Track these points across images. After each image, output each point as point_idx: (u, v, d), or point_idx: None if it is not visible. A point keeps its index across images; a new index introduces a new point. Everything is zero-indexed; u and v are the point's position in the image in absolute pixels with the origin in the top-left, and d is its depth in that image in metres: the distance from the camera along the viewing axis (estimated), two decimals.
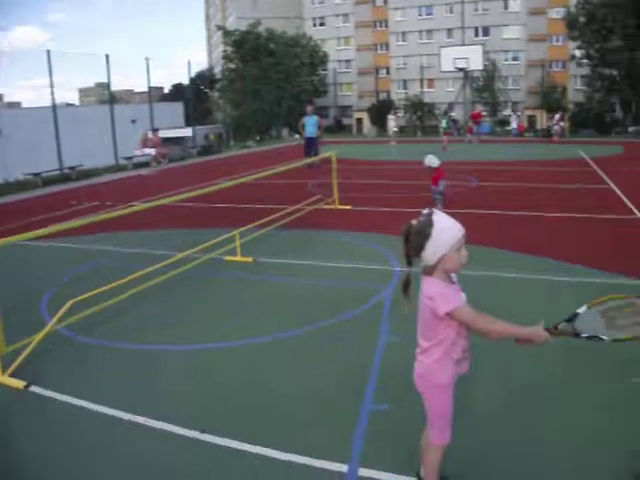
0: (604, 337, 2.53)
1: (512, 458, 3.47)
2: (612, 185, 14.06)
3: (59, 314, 5.48)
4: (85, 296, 5.90)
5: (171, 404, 4.39)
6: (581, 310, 2.63)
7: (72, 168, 20.56)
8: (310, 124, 18.93)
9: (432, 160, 10.84)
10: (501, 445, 3.59)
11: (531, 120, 40.65)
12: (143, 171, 21.95)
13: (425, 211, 2.61)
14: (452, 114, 39.64)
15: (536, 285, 6.74)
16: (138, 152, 23.50)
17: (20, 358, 4.98)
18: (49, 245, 9.55)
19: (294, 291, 6.95)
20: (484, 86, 42.73)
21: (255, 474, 3.46)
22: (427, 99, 44.78)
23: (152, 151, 23.26)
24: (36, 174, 19.01)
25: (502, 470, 3.36)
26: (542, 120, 37.12)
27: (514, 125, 36.60)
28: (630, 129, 32.81)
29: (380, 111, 42.23)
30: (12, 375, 4.86)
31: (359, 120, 48.05)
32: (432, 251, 2.52)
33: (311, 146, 18.89)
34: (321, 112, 43.40)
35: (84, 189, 17.45)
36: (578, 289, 6.47)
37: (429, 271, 2.61)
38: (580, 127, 34.69)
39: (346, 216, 11.30)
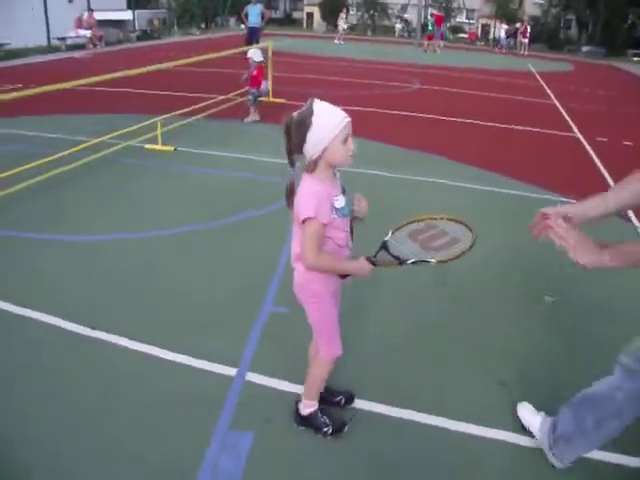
0: (431, 260, 2.33)
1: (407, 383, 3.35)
2: (555, 102, 13.90)
3: None
4: None
5: (62, 297, 4.02)
6: (387, 237, 2.45)
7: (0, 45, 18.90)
8: (253, 13, 17.71)
9: (256, 54, 9.54)
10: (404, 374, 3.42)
11: (485, 29, 39.81)
12: (77, 53, 20.43)
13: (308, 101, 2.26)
14: (406, 16, 38.29)
15: (444, 189, 6.65)
16: (72, 33, 21.90)
17: None
18: None
19: (212, 183, 6.52)
20: None
21: (140, 373, 3.24)
22: None
23: (87, 33, 21.82)
24: None
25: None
26: (495, 30, 36.37)
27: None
28: (584, 49, 32.49)
29: (331, 6, 40.29)
30: None
31: (310, 15, 45.77)
32: (314, 142, 2.18)
33: (253, 36, 17.78)
34: (270, 3, 41.16)
35: (9, 69, 16.04)
36: (486, 196, 6.48)
37: (311, 168, 2.27)
38: (533, 41, 34.18)
39: (278, 110, 10.75)
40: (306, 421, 2.78)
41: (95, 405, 2.99)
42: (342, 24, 31.37)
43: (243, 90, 10.74)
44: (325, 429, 2.73)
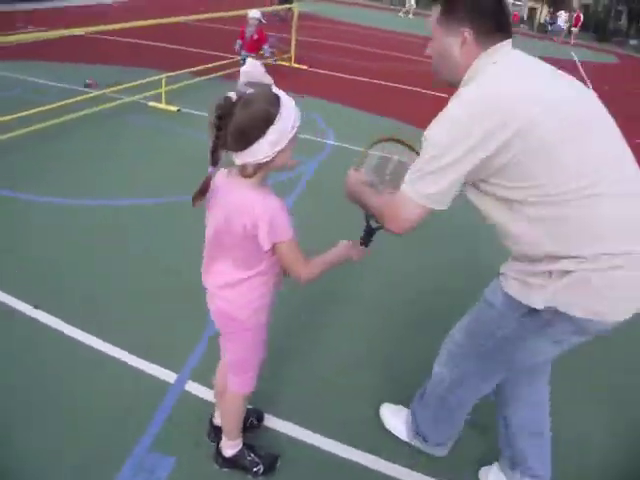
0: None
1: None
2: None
3: None
4: None
5: (8, 267, 3.68)
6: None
7: None
8: None
9: (257, 13, 8.72)
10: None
11: (531, 12, 38.29)
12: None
13: (249, 82, 1.69)
14: None
15: None
16: None
17: None
18: None
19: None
20: None
21: (69, 365, 2.87)
22: None
23: None
24: None
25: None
26: (542, 14, 34.91)
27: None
28: (632, 41, 30.98)
29: None
30: None
31: None
32: (274, 140, 1.65)
33: None
34: None
35: (37, 12, 15.63)
36: None
37: (249, 172, 1.73)
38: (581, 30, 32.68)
39: (297, 76, 10.21)
40: (231, 462, 2.33)
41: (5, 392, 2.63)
42: None
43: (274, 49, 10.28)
44: (255, 469, 2.31)
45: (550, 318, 1.68)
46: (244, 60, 8.73)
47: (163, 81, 7.35)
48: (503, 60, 1.69)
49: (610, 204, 1.58)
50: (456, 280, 3.92)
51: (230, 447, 2.31)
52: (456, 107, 1.63)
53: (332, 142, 6.62)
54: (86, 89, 7.59)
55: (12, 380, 2.74)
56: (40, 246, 3.94)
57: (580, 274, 1.60)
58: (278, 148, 1.67)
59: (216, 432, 2.43)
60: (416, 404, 2.42)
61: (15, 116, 5.72)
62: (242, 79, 1.69)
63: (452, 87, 1.82)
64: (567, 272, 1.61)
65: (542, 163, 1.56)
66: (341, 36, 16.13)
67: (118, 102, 7.23)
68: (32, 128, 5.76)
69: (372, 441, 2.57)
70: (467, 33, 1.71)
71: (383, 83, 10.24)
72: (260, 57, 8.75)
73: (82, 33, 9.88)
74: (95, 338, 3.05)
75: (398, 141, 2.22)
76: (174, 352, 3.00)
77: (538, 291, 1.67)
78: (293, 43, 10.70)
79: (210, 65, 8.92)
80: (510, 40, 1.75)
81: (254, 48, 8.75)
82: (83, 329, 3.11)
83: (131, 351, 2.98)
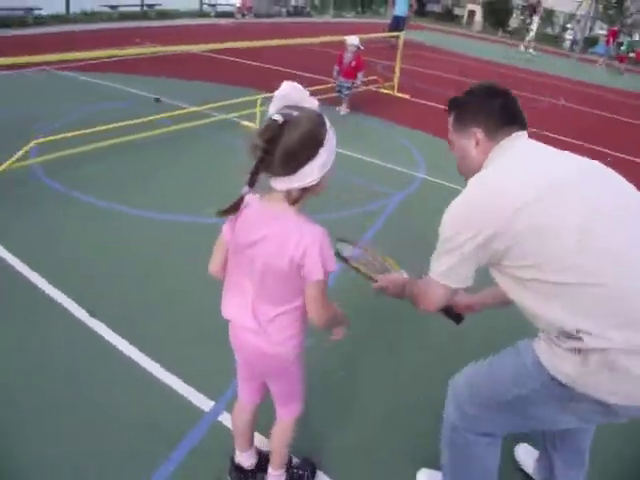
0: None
1: None
2: None
3: (18, 154, 4.94)
4: (56, 138, 5.43)
5: (70, 271, 3.76)
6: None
7: (151, 6, 19.75)
8: (401, 2, 16.98)
9: (355, 39, 8.37)
10: None
11: None
12: (222, 21, 20.92)
13: (289, 106, 1.60)
14: (568, 26, 35.24)
15: None
16: (223, 0, 22.55)
17: None
18: (72, 75, 9.15)
19: None
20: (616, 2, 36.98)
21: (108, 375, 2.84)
22: (546, 4, 39.34)
23: (237, 2, 22.38)
24: (113, 7, 18.19)
25: None
26: None
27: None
28: None
29: (495, 7, 38.25)
30: None
31: (471, 12, 43.94)
32: (322, 163, 1.59)
33: (398, 25, 17.09)
34: None
35: (155, 29, 16.65)
36: None
37: (295, 199, 1.65)
38: None
39: (399, 105, 10.06)
40: None
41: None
42: (534, 27, 25.44)
43: (368, 78, 10.15)
44: (305, 478, 2.31)
45: (574, 394, 1.60)
46: (339, 87, 8.75)
47: (258, 101, 7.41)
48: (505, 156, 1.82)
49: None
50: None
51: (280, 477, 2.22)
52: (462, 203, 1.78)
53: (423, 175, 6.38)
54: (182, 105, 7.79)
55: (48, 376, 2.75)
56: (102, 252, 4.02)
57: (607, 354, 1.52)
58: (325, 170, 1.61)
59: (238, 472, 2.31)
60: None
61: (113, 125, 5.95)
62: (276, 103, 1.60)
63: None
64: (593, 350, 1.54)
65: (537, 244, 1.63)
66: (449, 67, 15.81)
67: (212, 119, 7.37)
68: (127, 138, 5.97)
69: None
70: (478, 133, 1.87)
71: None
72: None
73: (194, 51, 10.40)
74: (138, 352, 3.02)
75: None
76: (215, 379, 2.88)
77: (564, 364, 1.61)
78: (397, 72, 10.56)
79: (310, 88, 8.93)
80: (523, 132, 1.87)
81: (351, 74, 8.57)
82: (130, 342, 3.07)
83: (173, 371, 2.93)
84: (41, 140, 5.19)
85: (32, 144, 5.00)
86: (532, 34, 25.50)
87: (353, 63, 8.49)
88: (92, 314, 3.30)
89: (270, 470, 2.22)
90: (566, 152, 1.85)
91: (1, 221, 4.35)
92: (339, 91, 8.76)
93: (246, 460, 2.29)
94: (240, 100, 7.73)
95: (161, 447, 2.46)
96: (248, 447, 2.28)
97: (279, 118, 1.54)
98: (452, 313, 2.21)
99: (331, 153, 1.62)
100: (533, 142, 1.88)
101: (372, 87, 10.41)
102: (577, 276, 1.58)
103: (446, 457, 2.09)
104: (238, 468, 2.30)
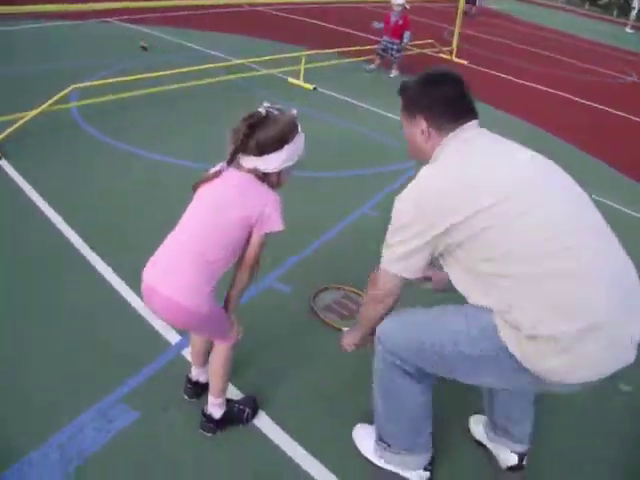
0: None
1: None
2: None
3: (57, 97, 5.11)
4: (93, 84, 5.66)
5: (82, 208, 3.96)
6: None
7: None
8: None
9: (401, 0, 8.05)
10: None
11: None
12: None
13: (272, 106, 1.98)
14: None
15: None
16: None
17: (5, 133, 4.76)
18: (132, 27, 9.65)
19: (329, 132, 6.01)
20: None
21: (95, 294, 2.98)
22: None
23: None
24: None
25: None
26: None
27: None
28: None
29: None
30: None
31: None
32: (285, 157, 1.95)
33: None
34: None
35: None
36: None
37: (259, 177, 2.01)
38: None
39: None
40: (224, 422, 2.32)
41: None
42: (636, 5, 23.10)
43: (424, 42, 9.91)
44: (245, 415, 2.36)
45: (519, 367, 1.68)
46: (385, 46, 8.61)
47: (303, 59, 7.41)
48: (458, 149, 1.81)
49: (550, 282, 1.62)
50: None
51: (219, 406, 2.30)
52: (411, 196, 1.78)
53: None
54: (228, 57, 7.85)
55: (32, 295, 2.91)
56: (121, 195, 4.20)
57: (544, 342, 1.60)
58: (285, 165, 1.97)
59: (193, 387, 2.46)
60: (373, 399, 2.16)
61: (152, 74, 6.07)
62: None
63: None
64: (533, 337, 1.61)
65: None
66: (519, 37, 15.15)
67: (256, 73, 7.41)
68: (168, 87, 6.07)
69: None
70: (422, 122, 1.87)
71: (552, 91, 9.34)
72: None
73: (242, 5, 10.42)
74: (124, 284, 3.14)
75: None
76: None
77: (509, 339, 1.67)
78: (455, 36, 10.25)
79: (352, 48, 8.85)
80: (473, 122, 1.85)
81: (397, 34, 8.42)
82: (114, 270, 3.23)
83: None
84: (79, 85, 5.36)
85: (71, 88, 5.18)
86: (634, 12, 23.37)
87: (400, 22, 8.34)
88: (92, 247, 3.44)
89: (209, 397, 2.30)
90: (514, 145, 1.86)
91: (33, 160, 4.60)
92: (384, 50, 8.62)
93: (200, 374, 2.43)
94: (287, 56, 7.71)
95: (121, 372, 2.56)
96: (203, 363, 2.40)
97: (263, 111, 1.91)
98: None
99: (294, 153, 1.96)
100: (485, 133, 1.88)
101: (428, 51, 10.13)
102: (539, 266, 1.61)
103: (378, 404, 2.11)
104: (194, 383, 2.44)
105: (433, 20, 14.58)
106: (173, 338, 2.81)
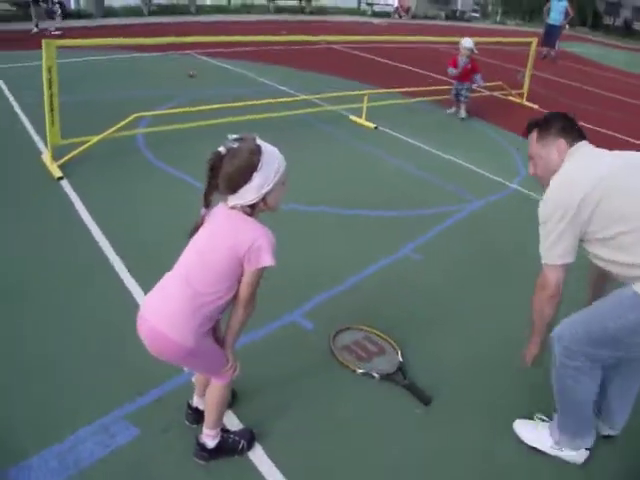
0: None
1: None
2: None
3: (120, 124, 5.42)
4: (158, 112, 6.00)
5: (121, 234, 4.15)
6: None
7: (309, 0, 20.54)
8: (556, 10, 15.97)
9: (469, 41, 8.15)
10: None
11: None
12: (376, 20, 21.17)
13: (238, 136, 1.96)
14: None
15: None
16: (382, 0, 22.78)
17: (71, 154, 5.16)
18: (211, 61, 10.13)
19: (384, 171, 6.04)
20: None
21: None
22: None
23: (395, 2, 22.51)
24: None
25: None
26: None
27: None
28: None
29: None
30: (60, 166, 5.06)
31: None
32: (259, 184, 1.91)
33: (552, 35, 16.22)
34: (611, 9, 37.28)
35: (306, 24, 17.29)
36: None
37: (248, 212, 2.00)
38: None
39: (523, 115, 9.53)
40: (216, 452, 2.34)
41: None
42: None
43: (494, 83, 9.80)
44: (240, 446, 2.36)
45: None
46: (456, 90, 8.57)
47: (365, 97, 7.51)
48: (580, 154, 2.35)
49: None
50: None
51: (212, 437, 2.32)
52: (549, 192, 2.30)
53: (515, 186, 6.07)
54: (289, 92, 8.06)
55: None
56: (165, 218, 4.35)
57: None
58: (264, 191, 1.92)
59: (193, 414, 2.49)
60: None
61: (217, 106, 6.37)
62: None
63: None
64: None
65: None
66: (600, 83, 14.72)
67: (320, 109, 7.56)
68: (230, 120, 6.25)
69: None
70: (561, 143, 2.37)
71: (630, 140, 8.92)
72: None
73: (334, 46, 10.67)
74: None
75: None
76: None
77: None
78: (527, 79, 10.10)
79: (417, 89, 8.88)
80: (585, 142, 2.40)
81: (466, 77, 8.39)
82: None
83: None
84: (141, 114, 5.66)
85: (133, 117, 5.47)
86: None
87: (469, 66, 8.32)
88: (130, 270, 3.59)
89: (203, 427, 2.32)
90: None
91: (91, 181, 4.91)
92: (456, 94, 8.63)
93: (200, 403, 2.46)
94: (351, 94, 7.84)
95: (130, 389, 2.65)
96: (204, 393, 2.41)
97: (222, 150, 1.90)
98: (423, 395, 2.74)
99: (268, 177, 1.90)
100: (593, 147, 2.41)
101: (498, 94, 10.03)
102: None
103: (556, 399, 2.42)
104: (194, 409, 2.48)
105: (506, 63, 14.42)
106: None
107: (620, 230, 2.14)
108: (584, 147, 2.39)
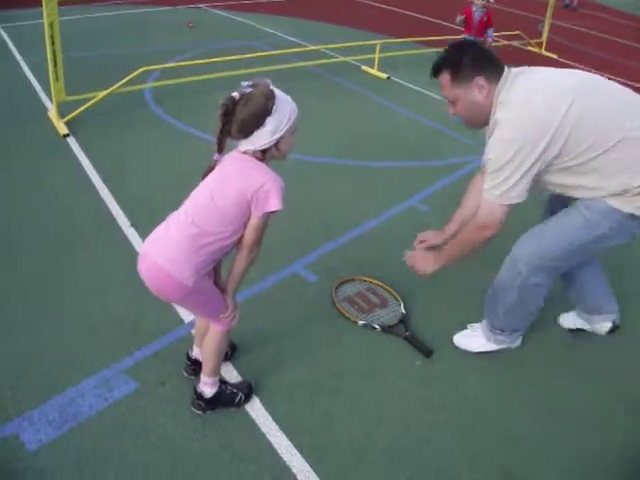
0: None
1: None
2: None
3: (126, 79, 5.33)
4: (166, 66, 5.92)
5: (131, 182, 4.12)
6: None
7: None
8: None
9: None
10: None
11: None
12: None
13: (251, 82, 1.94)
14: None
15: None
16: None
17: (78, 111, 5.11)
18: (222, 14, 9.84)
19: (395, 122, 5.92)
20: None
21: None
22: None
23: None
24: None
25: None
26: None
27: None
28: None
29: None
30: (67, 122, 5.03)
31: None
32: (272, 129, 1.90)
33: None
34: None
35: None
36: None
37: (259, 158, 1.98)
38: None
39: (540, 65, 9.18)
40: (213, 403, 2.35)
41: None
42: None
43: (512, 32, 9.45)
44: (237, 399, 2.37)
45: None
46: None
47: (377, 47, 7.32)
48: (520, 85, 2.21)
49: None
50: None
51: (210, 385, 2.33)
52: (509, 131, 2.16)
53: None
54: (300, 42, 7.88)
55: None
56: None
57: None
58: (276, 136, 1.91)
59: (192, 365, 2.50)
60: (489, 307, 2.70)
61: (226, 58, 6.22)
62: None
63: (484, 126, 2.35)
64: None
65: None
66: (622, 32, 14.16)
67: (331, 60, 7.40)
68: (237, 72, 6.12)
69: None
70: (480, 80, 2.23)
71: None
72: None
73: None
74: None
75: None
76: None
77: (622, 205, 2.22)
78: (546, 28, 9.76)
79: (430, 38, 8.60)
80: (507, 67, 2.28)
81: (481, 32, 7.49)
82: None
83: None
84: (148, 68, 5.56)
85: (140, 71, 5.38)
86: None
87: (485, 18, 7.40)
88: (133, 225, 3.58)
89: (201, 375, 2.34)
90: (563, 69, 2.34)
91: (97, 137, 4.90)
92: None
93: (199, 354, 2.45)
94: (362, 43, 7.65)
95: (131, 343, 2.66)
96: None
97: (236, 95, 1.87)
98: (424, 347, 2.75)
99: (281, 122, 1.89)
100: (524, 68, 2.29)
101: (516, 43, 9.70)
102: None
103: (505, 307, 2.58)
104: (193, 360, 2.50)
105: (526, 11, 13.93)
106: (187, 317, 2.86)
107: (590, 156, 2.15)
108: (519, 73, 2.26)
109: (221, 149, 1.96)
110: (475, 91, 2.26)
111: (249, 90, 1.88)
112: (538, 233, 2.42)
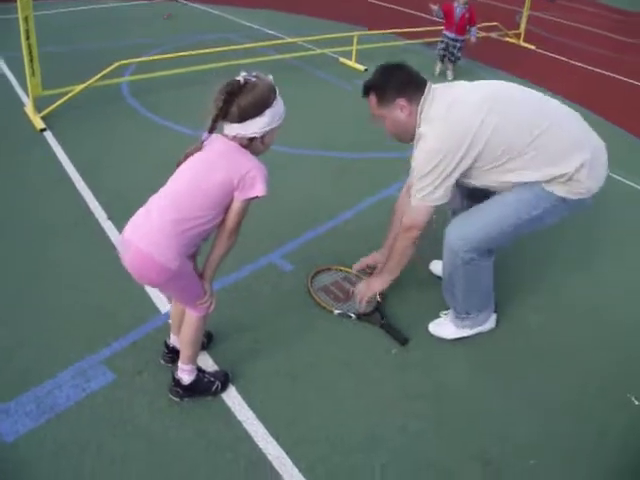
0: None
1: None
2: None
3: (102, 73, 5.29)
4: (142, 59, 5.91)
5: (103, 178, 4.11)
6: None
7: None
8: None
9: None
10: None
11: None
12: None
13: (254, 73, 2.02)
14: None
15: None
16: None
17: (54, 105, 5.07)
18: (197, 7, 9.89)
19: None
20: None
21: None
22: None
23: None
24: None
25: None
26: None
27: None
28: None
29: None
30: (43, 117, 4.99)
31: None
32: (267, 121, 1.99)
33: None
34: None
35: None
36: None
37: (244, 144, 2.04)
38: None
39: (520, 56, 9.34)
40: (190, 390, 2.39)
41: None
42: None
43: (489, 24, 9.49)
44: (214, 387, 2.41)
45: (568, 204, 2.47)
46: (447, 44, 7.40)
47: (354, 39, 7.34)
48: (438, 101, 2.45)
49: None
50: None
51: (188, 373, 2.36)
52: (431, 143, 2.40)
53: None
54: (280, 36, 7.88)
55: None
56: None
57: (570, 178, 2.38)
58: (267, 128, 1.99)
59: (170, 353, 2.53)
60: (448, 294, 2.78)
61: (203, 51, 6.19)
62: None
63: (411, 142, 2.58)
64: (566, 179, 2.39)
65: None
66: (604, 24, 14.26)
67: (309, 53, 7.40)
68: (212, 65, 6.14)
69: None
70: (402, 101, 2.48)
71: (634, 82, 8.68)
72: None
73: None
74: None
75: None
76: None
77: (556, 189, 2.43)
78: (524, 19, 9.83)
79: (409, 30, 8.63)
80: (429, 85, 2.51)
81: (462, 29, 7.32)
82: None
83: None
84: (123, 62, 5.52)
85: (115, 65, 5.35)
86: None
87: (467, 15, 7.20)
88: (110, 218, 3.58)
89: (179, 362, 2.37)
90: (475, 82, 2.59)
91: (74, 131, 4.86)
92: (445, 49, 7.41)
93: (177, 341, 2.49)
94: (340, 35, 7.65)
95: (108, 334, 2.68)
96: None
97: (241, 79, 1.94)
98: (399, 335, 2.80)
99: (275, 116, 1.99)
100: (443, 84, 2.55)
101: (495, 34, 9.77)
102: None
103: (458, 292, 2.69)
104: (170, 348, 2.53)
105: (504, 3, 14.01)
106: (164, 306, 2.88)
107: (509, 157, 2.37)
108: (438, 91, 2.48)
109: (212, 130, 1.99)
110: (397, 111, 2.50)
111: (254, 80, 1.96)
112: (469, 215, 2.58)
